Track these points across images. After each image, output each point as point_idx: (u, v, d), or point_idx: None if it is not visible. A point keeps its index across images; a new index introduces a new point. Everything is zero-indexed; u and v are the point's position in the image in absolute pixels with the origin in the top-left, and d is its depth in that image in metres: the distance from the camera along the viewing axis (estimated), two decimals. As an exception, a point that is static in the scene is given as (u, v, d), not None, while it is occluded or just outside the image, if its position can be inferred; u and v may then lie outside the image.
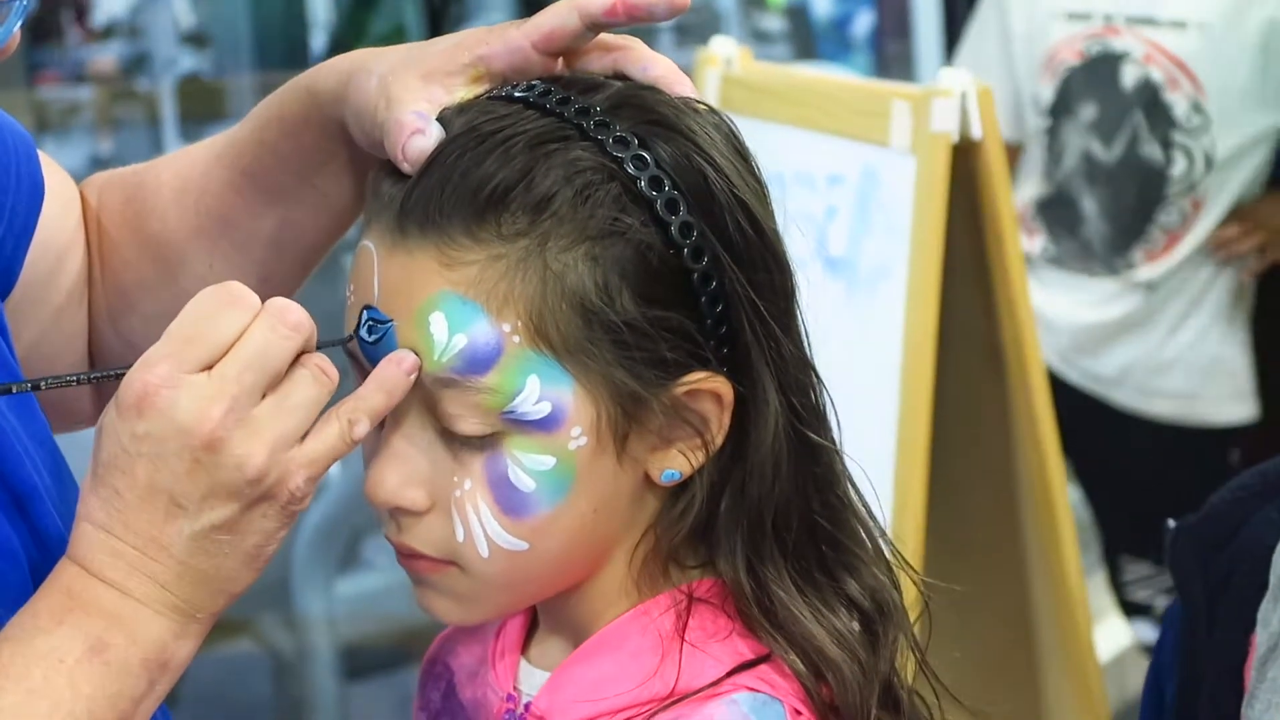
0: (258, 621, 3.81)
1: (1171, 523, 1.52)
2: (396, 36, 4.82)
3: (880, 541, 1.20)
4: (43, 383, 1.11)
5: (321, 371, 1.08)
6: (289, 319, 1.07)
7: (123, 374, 1.06)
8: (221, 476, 1.04)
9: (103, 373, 1.09)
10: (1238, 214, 3.34)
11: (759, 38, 6.08)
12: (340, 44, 4.79)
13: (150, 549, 1.05)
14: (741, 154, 1.15)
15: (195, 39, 5.07)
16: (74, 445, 1.29)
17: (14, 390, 1.11)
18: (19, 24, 1.08)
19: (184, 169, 1.38)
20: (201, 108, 4.51)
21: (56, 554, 1.09)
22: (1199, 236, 3.33)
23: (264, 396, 1.06)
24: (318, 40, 5.00)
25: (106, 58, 4.91)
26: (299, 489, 1.07)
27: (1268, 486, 1.48)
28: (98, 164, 3.97)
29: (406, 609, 3.91)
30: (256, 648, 3.89)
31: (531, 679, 1.21)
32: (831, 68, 5.36)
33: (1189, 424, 3.42)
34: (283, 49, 4.80)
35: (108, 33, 4.96)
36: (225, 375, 1.05)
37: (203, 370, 1.05)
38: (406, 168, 1.12)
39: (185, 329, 1.06)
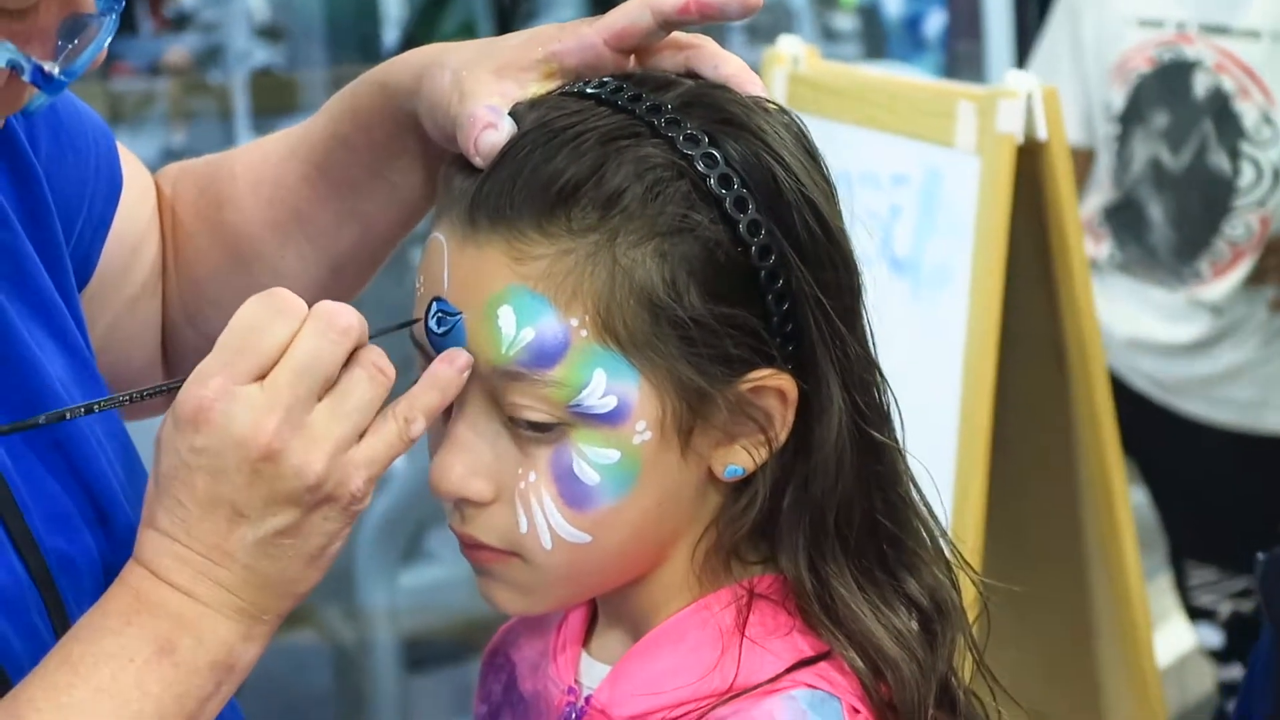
0: (320, 613, 3.82)
1: (1260, 555, 1.51)
2: (467, 33, 4.84)
3: (940, 541, 1.20)
4: (95, 405, 1.11)
5: (379, 370, 1.09)
6: (338, 323, 1.08)
7: (176, 388, 1.07)
8: (281, 485, 1.05)
9: (159, 387, 1.10)
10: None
11: (830, 36, 6.07)
12: (412, 39, 4.81)
13: (215, 555, 1.07)
14: (810, 153, 1.16)
15: (269, 32, 5.09)
16: (142, 432, 1.30)
17: (68, 417, 1.11)
18: (109, 39, 1.09)
19: (258, 161, 1.40)
20: (274, 101, 4.52)
21: (125, 543, 1.11)
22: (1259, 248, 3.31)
23: (319, 400, 1.07)
24: (390, 35, 5.01)
25: (180, 50, 4.93)
26: (359, 490, 1.08)
27: None
28: (170, 156, 3.98)
29: (468, 601, 3.93)
30: (318, 639, 3.90)
31: (592, 672, 1.21)
32: (902, 67, 5.35)
33: (1257, 432, 3.40)
34: (355, 44, 4.81)
35: (182, 25, 4.99)
36: (278, 385, 1.05)
37: (255, 381, 1.05)
38: (479, 161, 1.13)
39: (235, 340, 1.07)
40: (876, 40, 6.28)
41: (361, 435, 1.08)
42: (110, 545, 1.17)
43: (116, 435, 1.24)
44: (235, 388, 1.05)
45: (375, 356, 1.09)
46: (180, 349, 1.43)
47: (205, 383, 1.05)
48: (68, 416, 1.11)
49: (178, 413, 1.06)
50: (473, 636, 3.85)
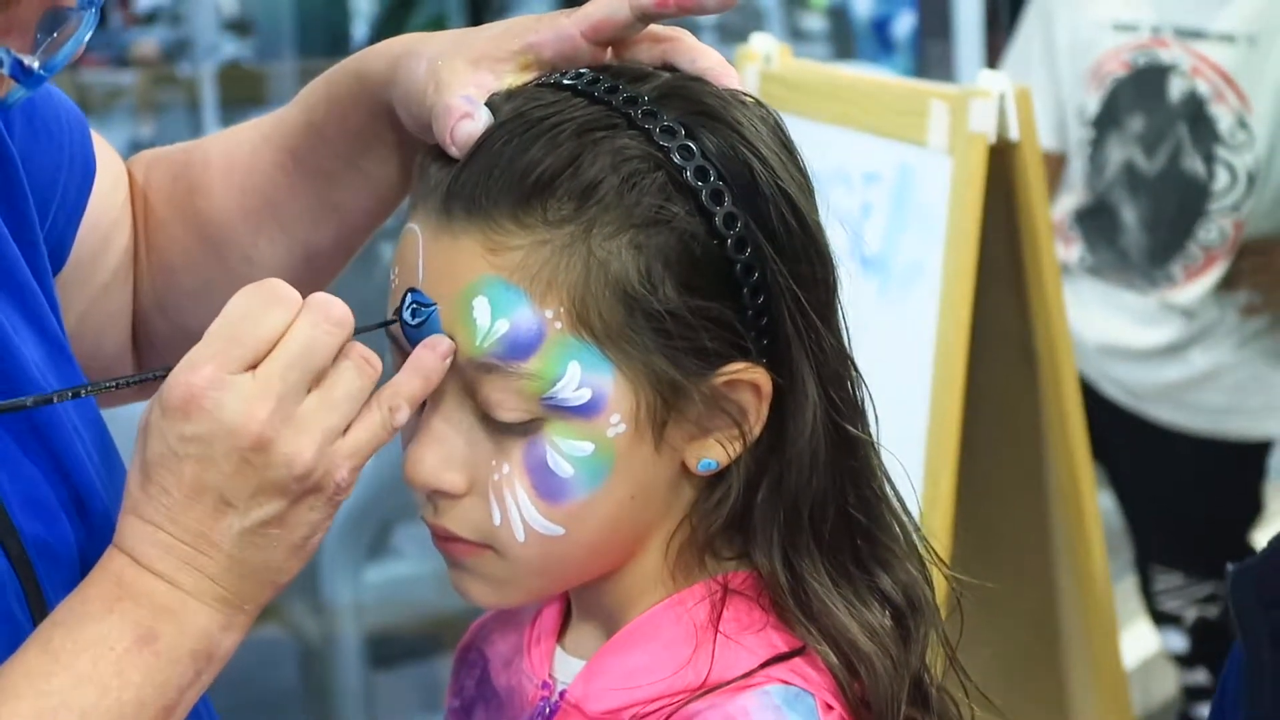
0: (286, 608, 3.82)
1: (1230, 565, 1.50)
2: (437, 27, 4.83)
3: (914, 536, 1.20)
4: (83, 389, 1.11)
5: (365, 362, 1.09)
6: (333, 314, 1.07)
7: (164, 375, 1.06)
8: (270, 475, 1.05)
9: (146, 374, 1.09)
10: (1260, 247, 3.32)
11: (799, 36, 6.09)
12: (381, 33, 4.81)
13: (200, 544, 1.06)
14: (787, 147, 1.16)
15: (237, 25, 5.09)
16: (116, 420, 1.30)
17: (55, 400, 1.11)
18: (89, 34, 1.09)
19: (231, 148, 1.39)
20: (242, 93, 4.52)
21: (101, 529, 1.10)
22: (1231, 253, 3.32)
23: (308, 392, 1.06)
24: (359, 29, 5.01)
25: (149, 42, 4.93)
26: (344, 480, 1.08)
27: None
28: (138, 148, 3.96)
29: (435, 597, 3.92)
30: (284, 634, 3.90)
31: (566, 667, 1.21)
32: (871, 68, 5.36)
33: (1224, 438, 3.41)
34: (324, 37, 4.81)
35: (151, 18, 4.98)
36: (270, 375, 1.05)
37: (247, 370, 1.05)
38: (454, 152, 1.12)
39: (228, 329, 1.06)
40: (845, 41, 6.29)
41: (348, 425, 1.08)
42: (87, 532, 1.16)
43: (93, 422, 1.24)
44: (227, 376, 1.04)
45: (362, 348, 1.09)
46: (151, 336, 1.43)
47: (196, 370, 1.04)
48: (55, 400, 1.11)
49: (166, 399, 1.05)
50: (439, 633, 3.85)
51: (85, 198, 1.33)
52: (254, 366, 1.05)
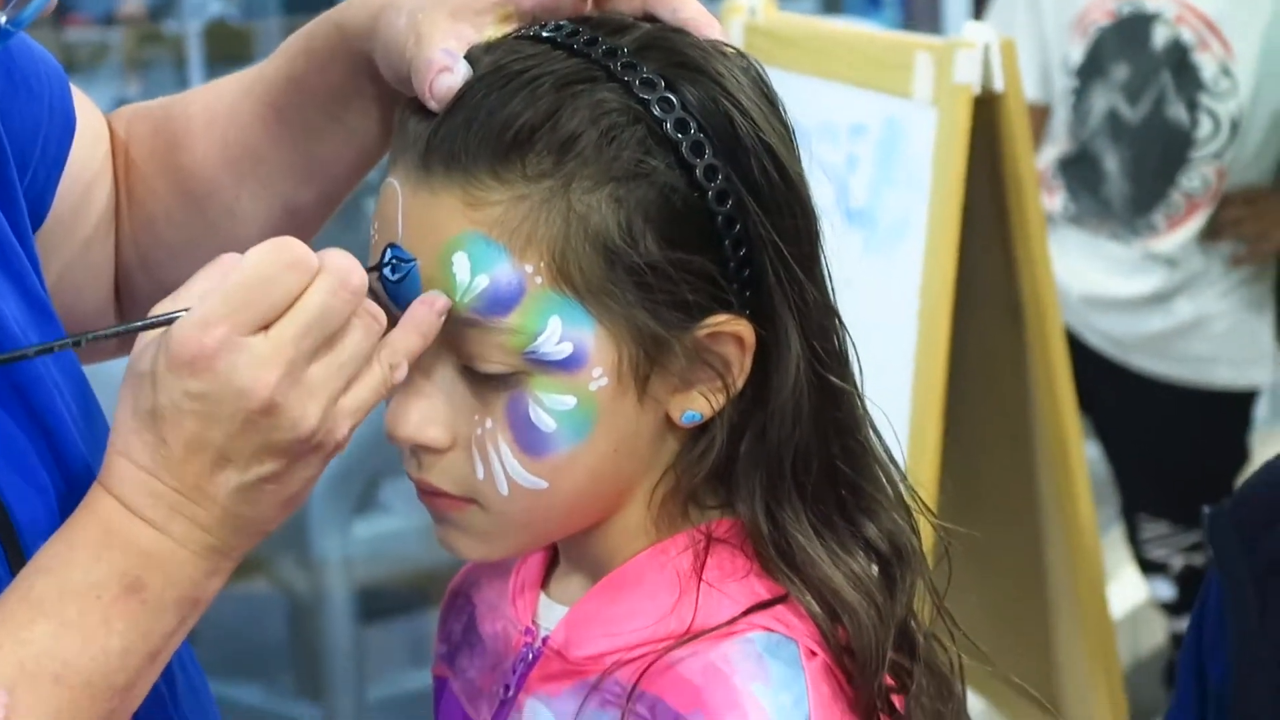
0: (274, 562, 3.82)
1: (1206, 508, 1.51)
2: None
3: (900, 486, 1.21)
4: (83, 339, 1.10)
5: (374, 319, 1.08)
6: (352, 283, 1.07)
7: (167, 321, 1.05)
8: (274, 436, 1.05)
9: (146, 322, 1.08)
10: (1245, 196, 3.32)
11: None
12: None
13: (194, 495, 1.06)
14: (769, 98, 1.16)
15: (224, -17, 5.07)
16: (97, 376, 1.30)
17: (55, 348, 1.10)
18: None
19: (212, 102, 1.38)
20: (228, 51, 4.50)
21: (82, 487, 1.10)
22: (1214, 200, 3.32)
23: (317, 354, 1.06)
24: (345, -15, 4.99)
25: (134, 0, 4.90)
26: (344, 437, 1.08)
27: None
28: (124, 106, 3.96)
29: (423, 552, 3.91)
30: (273, 589, 3.90)
31: (550, 613, 1.21)
32: (858, 21, 5.34)
33: (1209, 387, 3.41)
34: (310, -6, 4.79)
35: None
36: (283, 339, 1.04)
37: (259, 331, 1.04)
38: (434, 105, 1.12)
39: (244, 290, 1.05)
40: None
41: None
42: (67, 486, 1.16)
43: (74, 378, 1.23)
44: (240, 338, 1.04)
45: (371, 305, 1.09)
46: (133, 292, 1.42)
47: (209, 329, 1.03)
48: (55, 349, 1.11)
49: (175, 354, 1.04)
50: (427, 587, 3.86)
51: (65, 152, 1.32)
52: (266, 328, 1.05)
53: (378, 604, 3.95)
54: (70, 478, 1.17)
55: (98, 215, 1.39)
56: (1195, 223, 3.32)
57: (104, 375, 1.30)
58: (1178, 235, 3.33)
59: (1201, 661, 1.50)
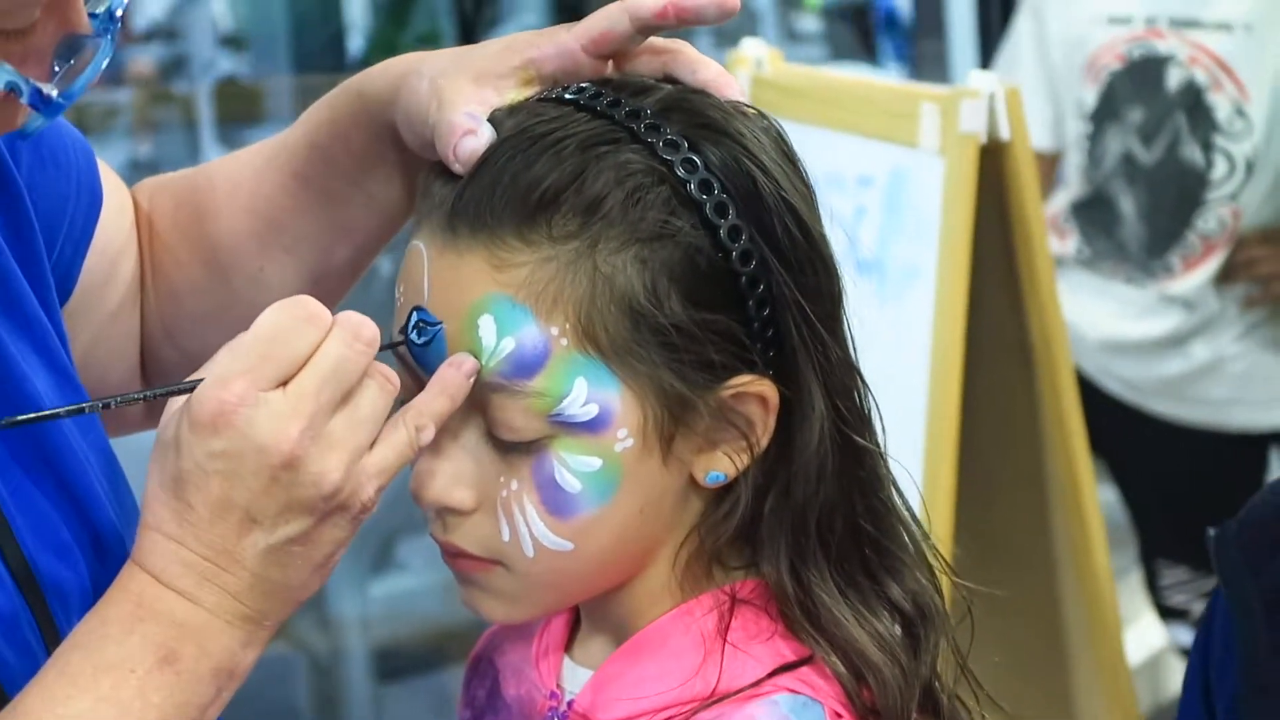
0: (293, 623, 3.82)
1: (1211, 531, 1.50)
2: (431, 40, 4.83)
3: (923, 545, 1.20)
4: (112, 402, 1.10)
5: (387, 380, 1.09)
6: (364, 335, 1.07)
7: (192, 387, 1.06)
8: (299, 493, 1.05)
9: (172, 388, 1.08)
10: (1262, 236, 3.32)
11: (794, 39, 6.07)
12: (376, 46, 4.81)
13: (223, 560, 1.06)
14: (790, 158, 1.16)
15: (233, 41, 5.07)
16: (124, 448, 1.30)
17: (85, 410, 1.10)
18: (106, 60, 1.08)
19: (235, 172, 1.39)
20: (239, 110, 4.50)
21: (115, 559, 1.10)
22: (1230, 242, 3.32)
23: (336, 410, 1.06)
24: (354, 43, 5.00)
25: (145, 60, 4.91)
26: (370, 499, 1.08)
27: None
28: (136, 166, 3.96)
29: (440, 610, 3.90)
30: (291, 649, 3.89)
31: (575, 677, 1.21)
32: (867, 68, 5.36)
33: (1227, 430, 3.40)
34: (320, 52, 4.80)
35: (147, 35, 4.96)
36: (302, 393, 1.05)
37: (278, 387, 1.05)
38: (458, 168, 1.12)
39: (260, 346, 1.05)
40: (841, 41, 6.26)
41: (372, 444, 1.08)
42: (101, 565, 1.16)
43: (102, 451, 1.23)
44: (259, 393, 1.04)
45: (384, 367, 1.09)
46: (158, 365, 1.42)
47: (227, 386, 1.04)
48: (85, 410, 1.10)
49: (196, 414, 1.04)
50: (445, 645, 3.85)
51: (92, 226, 1.33)
52: (284, 383, 1.05)
53: (396, 663, 3.95)
54: (102, 550, 1.17)
55: (124, 287, 1.39)
56: (1212, 264, 3.31)
57: (132, 448, 1.29)
58: (1194, 277, 3.32)
59: (1208, 682, 1.50)
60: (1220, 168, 3.26)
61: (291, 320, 1.06)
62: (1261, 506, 1.47)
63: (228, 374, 1.05)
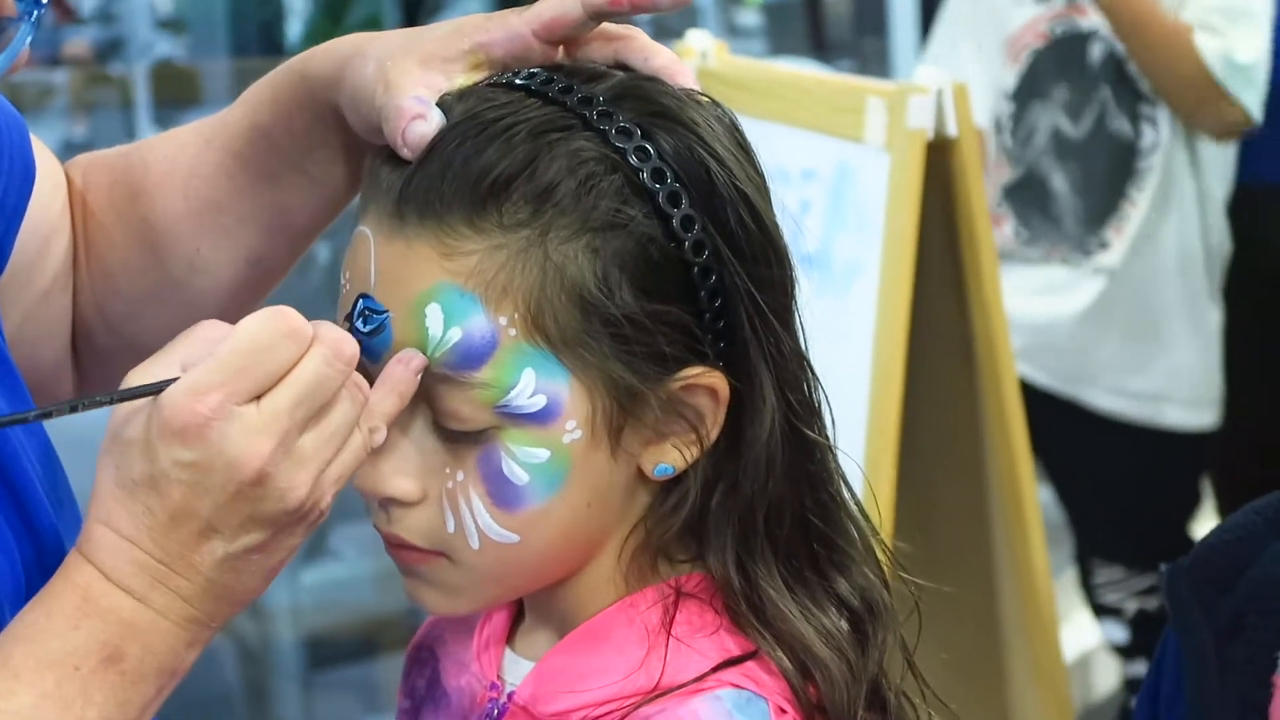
0: (223, 609, 3.81)
1: (1163, 567, 1.50)
2: (373, 25, 4.82)
3: (871, 541, 1.20)
4: (80, 404, 1.08)
5: (358, 389, 1.07)
6: (345, 353, 1.06)
7: (160, 389, 1.03)
8: (263, 507, 1.04)
9: (140, 389, 1.06)
10: None
11: (735, 33, 6.09)
12: (315, 31, 4.79)
13: (178, 565, 1.04)
14: (743, 147, 1.15)
15: (170, 24, 5.07)
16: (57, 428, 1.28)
17: (53, 415, 1.08)
18: (27, 41, 1.07)
19: (172, 151, 1.36)
20: (175, 92, 4.50)
21: (50, 547, 1.08)
22: (1151, 201, 3.34)
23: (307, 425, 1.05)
24: (293, 27, 4.99)
25: (81, 41, 4.90)
26: (327, 505, 1.07)
27: (1270, 525, 1.45)
28: (71, 147, 3.95)
29: (372, 599, 3.91)
30: (222, 636, 3.88)
31: (516, 669, 1.20)
32: (808, 64, 5.37)
33: (1159, 427, 3.42)
34: (257, 35, 4.80)
35: (83, 17, 4.95)
36: (277, 410, 1.03)
37: (252, 401, 1.03)
38: (406, 153, 1.11)
39: (238, 359, 1.03)
40: (782, 37, 6.28)
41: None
42: (35, 551, 1.14)
43: (36, 433, 1.21)
44: (233, 407, 1.02)
45: (356, 376, 1.07)
46: (91, 345, 1.40)
47: (201, 397, 1.02)
48: (53, 415, 1.08)
49: (167, 422, 1.02)
50: (376, 634, 3.85)
51: (25, 202, 1.30)
52: (259, 398, 1.03)
53: (327, 652, 3.95)
54: (39, 543, 1.15)
55: (56, 267, 1.37)
56: (1136, 222, 3.34)
57: (68, 436, 1.27)
58: (1123, 241, 3.35)
59: (1157, 715, 1.50)
60: (1148, 136, 3.31)
61: (271, 334, 1.04)
62: (1213, 544, 1.47)
63: (203, 385, 1.02)
